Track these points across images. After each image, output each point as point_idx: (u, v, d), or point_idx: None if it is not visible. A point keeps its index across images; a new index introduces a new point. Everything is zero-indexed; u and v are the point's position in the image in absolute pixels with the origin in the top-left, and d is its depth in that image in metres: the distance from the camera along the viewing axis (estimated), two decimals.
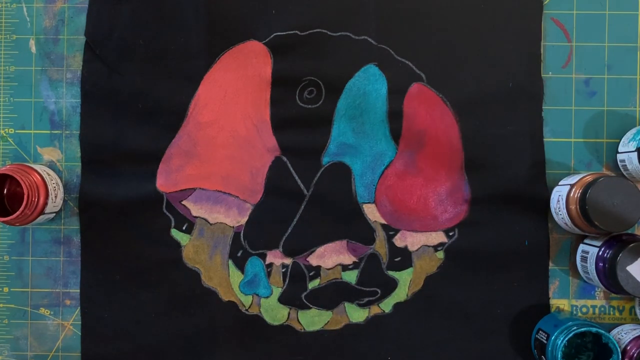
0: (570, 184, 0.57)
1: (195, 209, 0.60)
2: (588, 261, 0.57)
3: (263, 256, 0.60)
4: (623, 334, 0.57)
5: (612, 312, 0.60)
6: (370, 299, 0.60)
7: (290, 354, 0.60)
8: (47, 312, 0.61)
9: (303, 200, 0.60)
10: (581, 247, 0.59)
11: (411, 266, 0.60)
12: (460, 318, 0.60)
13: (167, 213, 0.60)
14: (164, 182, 0.60)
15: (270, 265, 0.60)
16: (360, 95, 0.60)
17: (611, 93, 0.60)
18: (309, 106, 0.60)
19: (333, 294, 0.60)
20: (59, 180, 0.60)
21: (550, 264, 0.60)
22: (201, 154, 0.60)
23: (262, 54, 0.60)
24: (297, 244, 0.60)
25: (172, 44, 0.60)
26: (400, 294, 0.60)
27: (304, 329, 0.60)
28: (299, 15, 0.60)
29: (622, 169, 0.59)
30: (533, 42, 0.60)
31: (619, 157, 0.59)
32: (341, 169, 0.60)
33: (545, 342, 0.56)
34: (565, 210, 0.56)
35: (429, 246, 0.60)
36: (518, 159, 0.60)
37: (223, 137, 0.60)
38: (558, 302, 0.60)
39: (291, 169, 0.60)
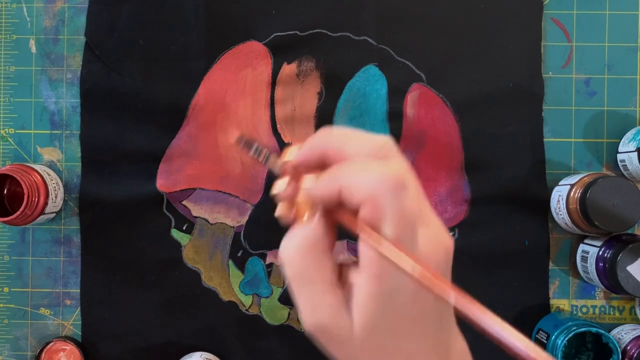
0: (570, 184, 0.57)
1: (195, 209, 0.60)
2: (588, 261, 0.57)
3: (263, 256, 0.60)
4: (623, 334, 0.57)
5: (612, 312, 0.60)
6: None
7: (290, 354, 0.60)
8: (47, 312, 0.61)
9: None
10: (581, 247, 0.59)
11: None
12: (460, 318, 0.60)
13: (167, 213, 0.60)
14: (164, 182, 0.60)
15: (271, 265, 0.60)
16: (360, 95, 0.60)
17: (611, 93, 0.60)
18: (310, 106, 0.60)
19: None
20: (59, 180, 0.60)
21: (550, 264, 0.60)
22: (201, 154, 0.60)
23: (262, 54, 0.60)
24: None
25: (172, 44, 0.60)
26: None
27: (304, 329, 0.60)
28: (299, 16, 0.60)
29: (622, 169, 0.59)
30: (533, 42, 0.60)
31: (619, 157, 0.59)
32: None
33: (545, 342, 0.56)
34: (565, 210, 0.56)
35: None
36: (518, 159, 0.60)
37: (223, 138, 0.60)
38: (558, 302, 0.60)
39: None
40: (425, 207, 0.35)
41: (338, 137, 0.34)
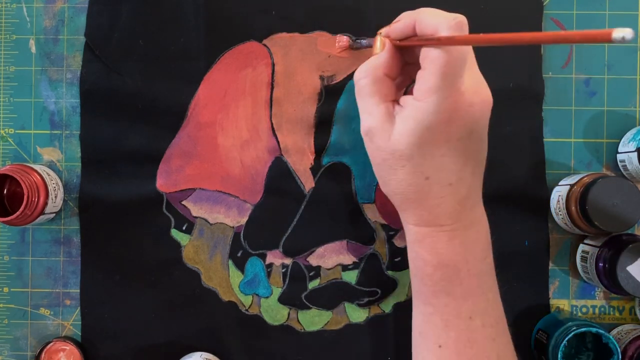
0: (570, 184, 0.57)
1: (195, 209, 0.60)
2: (588, 261, 0.57)
3: (263, 256, 0.60)
4: (623, 334, 0.57)
5: (612, 312, 0.60)
6: (370, 299, 0.60)
7: (290, 354, 0.60)
8: (47, 312, 0.61)
9: (303, 200, 0.60)
10: (581, 247, 0.59)
11: None
12: None
13: (167, 213, 0.60)
14: (164, 182, 0.60)
15: (270, 265, 0.60)
16: None
17: (611, 93, 0.60)
18: (309, 107, 0.60)
19: (333, 294, 0.60)
20: (59, 180, 0.60)
21: (550, 264, 0.60)
22: (201, 154, 0.60)
23: (262, 54, 0.60)
24: (297, 244, 0.60)
25: (172, 44, 0.60)
26: (400, 294, 0.60)
27: (304, 329, 0.60)
28: (299, 16, 0.60)
29: (622, 169, 0.59)
30: None
31: (619, 157, 0.59)
32: (341, 169, 0.60)
33: (545, 342, 0.56)
34: (565, 210, 0.56)
35: None
36: (518, 159, 0.60)
37: (223, 138, 0.60)
38: (558, 302, 0.60)
39: (291, 169, 0.60)
40: (473, 62, 0.46)
41: (420, 14, 0.45)
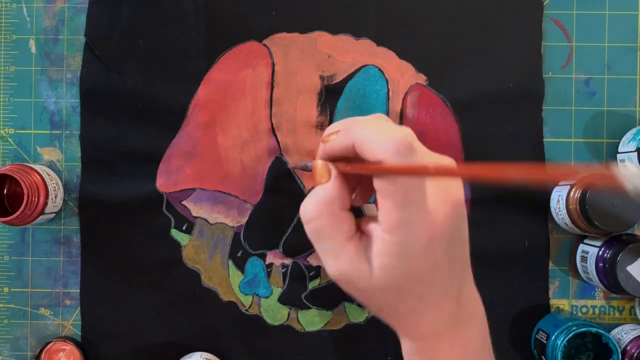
0: (570, 184, 0.57)
1: (195, 209, 0.60)
2: (588, 261, 0.57)
3: (263, 256, 0.60)
4: (623, 334, 0.57)
5: (612, 312, 0.60)
6: None
7: (290, 354, 0.60)
8: (47, 312, 0.61)
9: (303, 200, 0.60)
10: (581, 247, 0.59)
11: None
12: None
13: (167, 213, 0.60)
14: (164, 182, 0.60)
15: (270, 265, 0.60)
16: (360, 96, 0.60)
17: (611, 93, 0.60)
18: (310, 107, 0.60)
19: (333, 294, 0.60)
20: (59, 180, 0.60)
21: (550, 264, 0.60)
22: (201, 154, 0.60)
23: (262, 54, 0.60)
24: (297, 244, 0.60)
25: (172, 45, 0.60)
26: None
27: (304, 329, 0.60)
28: (299, 16, 0.60)
29: None
30: (533, 42, 0.60)
31: (619, 157, 0.59)
32: None
33: (545, 342, 0.56)
34: (565, 210, 0.56)
35: None
36: (518, 159, 0.60)
37: (223, 138, 0.60)
38: (558, 302, 0.60)
39: (291, 169, 0.60)
40: None
41: (356, 135, 0.38)
